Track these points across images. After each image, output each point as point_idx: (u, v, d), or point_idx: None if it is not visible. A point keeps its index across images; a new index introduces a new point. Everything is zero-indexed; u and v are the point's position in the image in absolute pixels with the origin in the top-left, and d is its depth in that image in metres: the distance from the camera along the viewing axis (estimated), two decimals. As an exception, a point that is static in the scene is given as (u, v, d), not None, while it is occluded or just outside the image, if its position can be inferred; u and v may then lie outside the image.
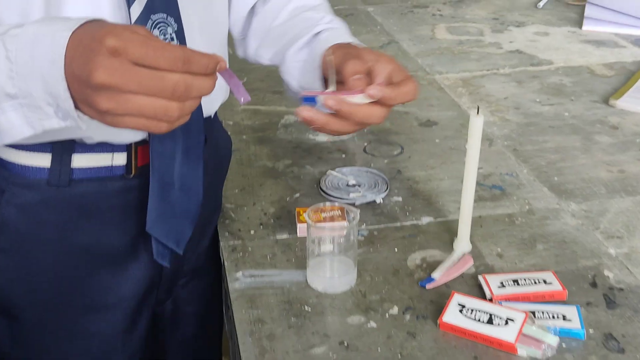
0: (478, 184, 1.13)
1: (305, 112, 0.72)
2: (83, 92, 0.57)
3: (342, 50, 0.79)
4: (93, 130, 0.79)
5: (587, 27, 1.85)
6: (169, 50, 0.57)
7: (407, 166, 1.19)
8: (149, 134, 0.81)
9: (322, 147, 1.25)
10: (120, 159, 0.84)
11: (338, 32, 0.91)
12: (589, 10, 1.94)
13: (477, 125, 0.87)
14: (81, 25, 0.57)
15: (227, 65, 0.64)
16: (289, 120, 1.36)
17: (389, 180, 1.13)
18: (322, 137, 1.29)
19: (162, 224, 0.85)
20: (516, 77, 1.57)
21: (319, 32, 0.91)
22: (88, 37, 0.56)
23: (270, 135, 1.29)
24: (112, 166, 0.83)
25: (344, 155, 1.22)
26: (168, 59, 0.57)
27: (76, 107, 0.59)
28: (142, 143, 0.84)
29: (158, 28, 0.75)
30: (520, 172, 1.18)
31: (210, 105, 0.91)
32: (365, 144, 1.27)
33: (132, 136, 0.83)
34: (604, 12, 1.91)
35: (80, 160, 0.81)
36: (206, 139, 0.91)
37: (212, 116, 0.97)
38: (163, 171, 0.83)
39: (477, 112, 0.87)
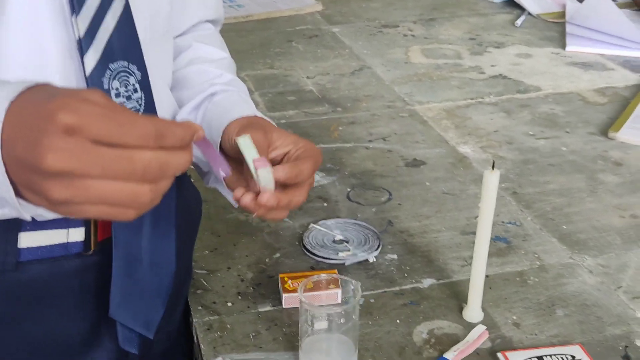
0: (479, 234, 1.07)
1: (247, 198, 0.69)
2: (29, 179, 0.48)
3: (248, 130, 0.71)
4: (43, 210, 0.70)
5: (571, 47, 1.84)
6: (138, 124, 0.49)
7: (399, 216, 1.12)
8: None
9: (299, 195, 1.17)
10: (77, 234, 0.75)
11: (235, 96, 0.84)
12: (570, 29, 1.93)
13: (492, 182, 0.81)
14: (21, 93, 0.48)
15: (204, 134, 0.56)
16: (259, 163, 1.28)
17: (380, 234, 1.06)
18: (298, 183, 1.22)
19: (128, 307, 0.76)
20: (504, 106, 1.53)
21: (213, 94, 0.83)
22: (33, 112, 0.47)
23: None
24: (67, 243, 0.75)
25: (325, 204, 1.15)
26: (137, 135, 0.49)
27: (18, 194, 0.50)
28: None
29: (119, 79, 0.67)
30: (524, 219, 1.13)
31: None
32: (349, 189, 1.20)
33: None
34: (585, 31, 1.90)
35: (28, 239, 0.73)
36: (176, 202, 0.83)
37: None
38: (129, 246, 0.75)
39: (492, 168, 0.81)
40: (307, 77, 1.67)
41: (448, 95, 1.58)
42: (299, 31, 1.97)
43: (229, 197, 0.79)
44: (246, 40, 1.89)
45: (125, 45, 0.67)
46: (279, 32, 1.96)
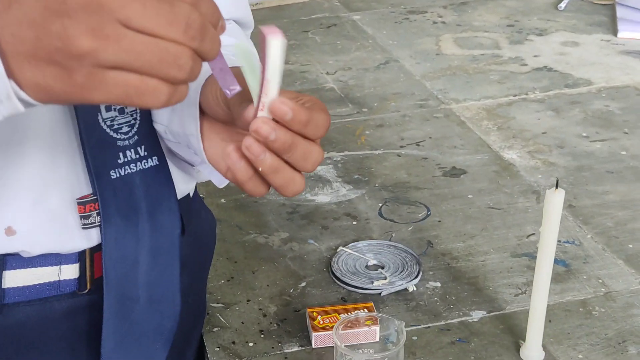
0: (532, 256, 1.02)
1: (267, 126, 0.54)
2: (45, 22, 0.43)
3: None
4: (31, 240, 0.66)
5: (623, 33, 1.78)
6: None
7: (439, 235, 1.08)
8: (102, 235, 0.69)
9: (325, 212, 1.13)
10: (69, 271, 0.72)
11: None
12: (621, 12, 1.87)
13: (556, 204, 0.76)
14: None
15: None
16: (278, 174, 1.23)
17: (419, 257, 1.02)
18: (323, 198, 1.17)
19: (123, 352, 0.73)
20: (551, 103, 1.48)
21: None
22: None
23: (257, 198, 1.17)
24: (59, 282, 0.71)
25: (354, 223, 1.11)
26: None
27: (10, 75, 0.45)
28: (99, 249, 0.73)
29: None
30: (584, 237, 1.07)
31: (186, 182, 0.79)
32: (380, 204, 1.15)
33: (86, 241, 0.71)
34: (638, 14, 1.84)
35: (15, 278, 0.69)
36: (184, 228, 0.79)
37: (192, 194, 0.85)
38: (122, 282, 0.71)
39: (556, 187, 0.76)
40: (327, 73, 1.63)
41: (487, 91, 1.53)
42: (315, 20, 1.92)
43: (214, 178, 0.72)
44: (256, 32, 1.83)
45: None
46: (293, 22, 1.91)
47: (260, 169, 0.53)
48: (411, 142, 1.34)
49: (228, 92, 0.52)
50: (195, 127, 0.61)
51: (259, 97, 0.52)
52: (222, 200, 1.17)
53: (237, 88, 0.52)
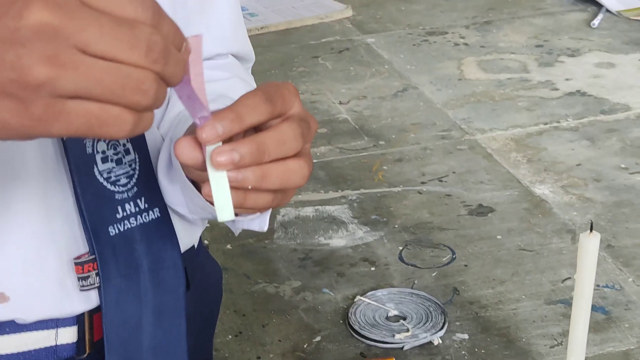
0: (568, 303, 1.04)
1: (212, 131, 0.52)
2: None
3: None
4: (25, 306, 0.68)
5: (663, 52, 1.80)
6: None
7: (466, 281, 1.09)
8: (101, 297, 0.70)
9: (340, 257, 1.15)
10: (67, 335, 0.72)
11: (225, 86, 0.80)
12: (660, 29, 1.89)
13: (591, 248, 0.78)
14: None
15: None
16: (289, 216, 1.27)
17: (444, 306, 1.03)
18: (337, 241, 1.20)
19: None
20: (586, 132, 1.50)
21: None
22: None
23: (265, 242, 1.19)
24: (56, 347, 0.72)
25: (373, 269, 1.13)
26: (135, 2, 0.46)
27: None
28: (99, 309, 0.74)
29: (106, 140, 0.66)
30: (625, 281, 1.09)
31: (190, 234, 0.80)
32: (401, 248, 1.17)
33: (85, 303, 0.72)
34: (680, 30, 1.87)
35: (8, 344, 0.70)
36: (188, 283, 0.81)
37: (196, 245, 0.87)
38: (125, 347, 0.72)
39: (590, 230, 0.78)
40: (340, 103, 1.65)
41: (515, 119, 1.55)
42: (326, 44, 1.95)
43: (254, 224, 0.73)
44: (262, 59, 1.87)
45: None
46: (301, 46, 1.95)
47: (250, 187, 0.54)
48: (433, 178, 1.36)
49: (197, 121, 0.53)
50: (201, 198, 0.62)
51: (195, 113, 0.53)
52: (228, 246, 1.19)
53: (207, 115, 0.53)
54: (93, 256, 0.69)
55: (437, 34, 2.00)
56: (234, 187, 0.54)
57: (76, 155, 0.68)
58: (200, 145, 0.53)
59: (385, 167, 1.40)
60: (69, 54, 0.44)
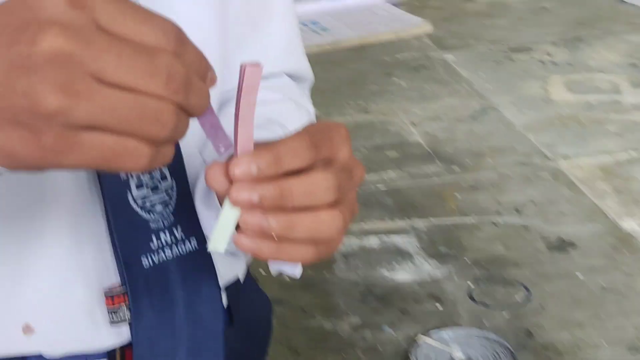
0: (656, 352, 0.97)
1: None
2: (9, 81, 0.43)
3: None
4: (52, 339, 0.66)
5: None
6: (156, 18, 0.45)
7: (541, 323, 1.04)
8: (132, 332, 0.68)
9: (404, 293, 1.12)
10: None
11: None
12: None
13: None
14: None
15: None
16: (352, 246, 1.23)
17: (515, 352, 0.99)
18: (402, 275, 1.15)
19: None
20: (682, 160, 1.43)
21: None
22: None
23: (326, 274, 1.16)
24: None
25: (438, 306, 1.09)
26: (156, 28, 0.45)
27: None
28: (130, 345, 0.71)
29: None
30: None
31: (231, 267, 0.77)
32: (470, 284, 1.13)
33: (116, 338, 0.70)
34: None
35: None
36: (231, 317, 0.78)
37: (242, 277, 0.84)
38: None
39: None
40: (412, 124, 1.62)
41: (604, 145, 1.49)
42: (401, 61, 1.92)
43: (286, 268, 0.71)
44: (332, 76, 1.85)
45: None
46: (375, 63, 1.92)
47: (274, 235, 0.52)
48: (510, 208, 1.31)
49: (220, 150, 0.52)
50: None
51: (235, 141, 0.51)
52: (286, 277, 1.16)
53: (228, 144, 0.51)
54: (124, 288, 0.67)
55: (521, 51, 1.94)
56: (258, 235, 0.51)
57: (109, 181, 0.66)
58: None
59: (458, 195, 1.35)
60: (84, 82, 0.43)
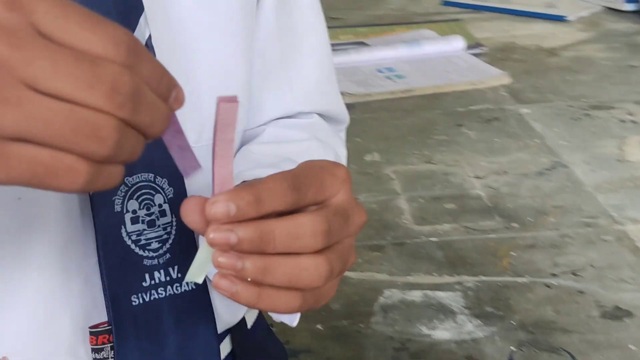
0: None
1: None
2: None
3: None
4: None
5: None
6: (107, 26, 0.43)
7: (583, 396, 0.99)
8: None
9: (441, 352, 1.08)
10: None
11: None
12: None
13: None
14: None
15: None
16: (393, 299, 1.20)
17: None
18: (441, 333, 1.11)
19: None
20: None
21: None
22: None
23: (361, 326, 1.13)
24: None
25: (476, 369, 1.04)
26: (104, 36, 0.42)
27: None
28: None
29: (138, 198, 0.62)
30: None
31: (233, 311, 0.75)
32: (513, 348, 1.08)
33: None
34: None
35: None
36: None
37: (250, 323, 0.81)
38: None
39: None
40: (476, 177, 1.58)
41: (677, 211, 1.42)
42: (474, 112, 1.89)
43: (284, 316, 0.68)
44: (401, 124, 1.83)
45: (153, 152, 0.62)
46: (446, 113, 1.89)
47: (249, 279, 0.49)
48: (567, 270, 1.26)
49: (186, 172, 0.49)
50: None
51: (213, 179, 0.49)
52: (319, 326, 1.14)
53: (197, 168, 0.49)
54: (110, 327, 0.65)
55: (601, 109, 1.89)
56: (232, 276, 0.49)
57: (103, 213, 0.65)
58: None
59: (513, 253, 1.31)
60: (14, 89, 0.40)
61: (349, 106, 1.90)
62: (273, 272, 0.50)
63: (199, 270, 0.51)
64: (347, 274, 1.24)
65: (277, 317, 0.69)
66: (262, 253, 0.49)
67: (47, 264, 0.63)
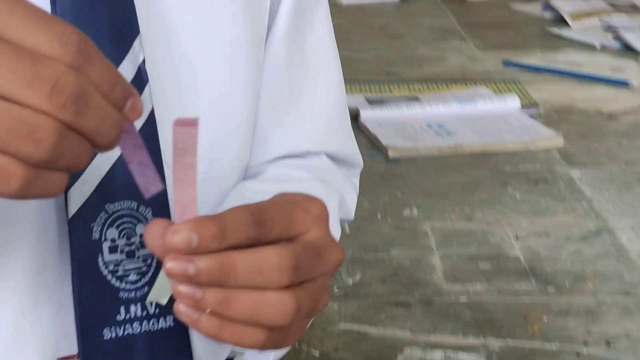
0: None
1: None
2: None
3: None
4: None
5: None
6: (56, 23, 0.41)
7: None
8: None
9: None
10: None
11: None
12: None
13: None
14: None
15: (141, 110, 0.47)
16: (412, 358, 1.17)
17: None
18: (459, 396, 1.08)
19: None
20: None
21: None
22: None
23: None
24: None
25: None
26: (51, 34, 0.41)
27: None
28: None
29: (118, 226, 0.61)
30: None
31: (214, 353, 0.73)
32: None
33: None
34: None
35: None
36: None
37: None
38: None
39: None
40: (516, 239, 1.54)
41: None
42: (522, 173, 1.85)
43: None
44: (445, 180, 1.81)
45: None
46: (493, 172, 1.86)
47: (208, 311, 0.47)
48: (600, 340, 1.22)
49: (146, 191, 0.48)
50: None
51: (175, 206, 0.48)
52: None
53: (159, 187, 0.47)
54: None
55: (656, 174, 1.84)
56: (192, 306, 0.48)
57: (79, 239, 0.64)
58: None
59: (545, 319, 1.27)
60: None
61: (394, 160, 1.90)
62: (234, 305, 0.48)
63: (163, 290, 0.50)
64: (366, 329, 1.22)
65: (247, 355, 0.67)
66: (222, 287, 0.48)
67: (17, 287, 0.62)
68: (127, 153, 0.48)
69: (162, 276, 0.49)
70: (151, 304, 0.65)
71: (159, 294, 0.50)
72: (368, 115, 2.17)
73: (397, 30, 3.04)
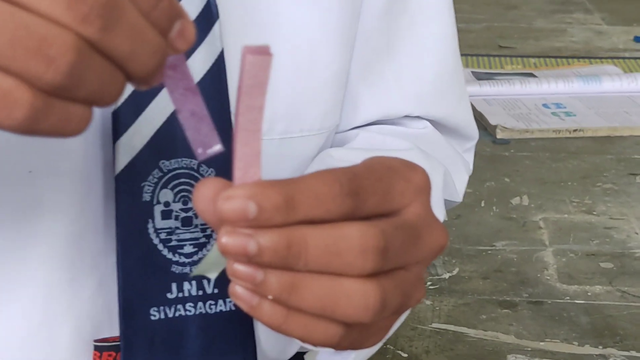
0: None
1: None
2: None
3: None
4: None
5: None
6: None
7: None
8: None
9: None
10: None
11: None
12: None
13: None
14: None
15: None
16: (517, 366, 1.12)
17: None
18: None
19: None
20: None
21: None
22: None
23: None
24: None
25: None
26: None
27: None
28: None
29: (173, 187, 0.58)
30: None
31: (281, 345, 0.69)
32: None
33: None
34: None
35: None
36: None
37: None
38: None
39: None
40: (644, 235, 1.49)
41: None
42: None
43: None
44: (562, 167, 1.76)
45: None
46: (619, 159, 1.80)
47: (270, 297, 0.42)
48: None
49: (200, 150, 0.42)
50: None
51: (233, 161, 0.41)
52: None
53: (217, 147, 0.42)
54: (119, 343, 0.61)
55: None
56: (251, 290, 0.43)
57: (127, 200, 0.61)
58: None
59: (678, 329, 1.20)
60: None
61: (502, 142, 1.85)
62: (303, 292, 0.42)
63: (214, 264, 0.45)
64: (465, 330, 1.18)
65: (322, 354, 0.62)
66: (290, 270, 0.42)
67: (52, 256, 0.59)
68: (176, 98, 0.42)
69: (210, 255, 0.44)
70: (208, 281, 0.61)
71: (207, 268, 0.45)
72: (475, 91, 2.14)
73: (512, 0, 3.00)
